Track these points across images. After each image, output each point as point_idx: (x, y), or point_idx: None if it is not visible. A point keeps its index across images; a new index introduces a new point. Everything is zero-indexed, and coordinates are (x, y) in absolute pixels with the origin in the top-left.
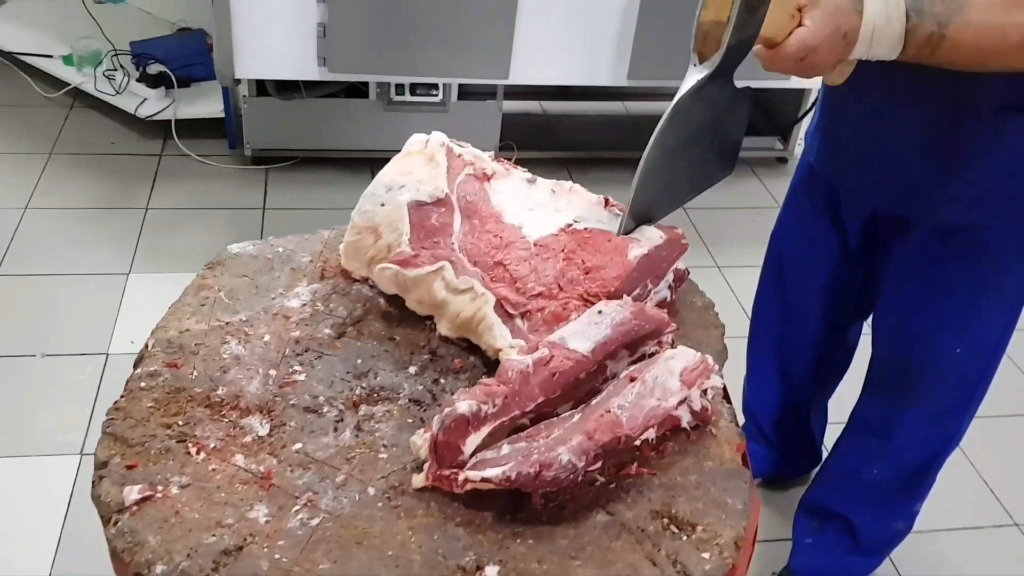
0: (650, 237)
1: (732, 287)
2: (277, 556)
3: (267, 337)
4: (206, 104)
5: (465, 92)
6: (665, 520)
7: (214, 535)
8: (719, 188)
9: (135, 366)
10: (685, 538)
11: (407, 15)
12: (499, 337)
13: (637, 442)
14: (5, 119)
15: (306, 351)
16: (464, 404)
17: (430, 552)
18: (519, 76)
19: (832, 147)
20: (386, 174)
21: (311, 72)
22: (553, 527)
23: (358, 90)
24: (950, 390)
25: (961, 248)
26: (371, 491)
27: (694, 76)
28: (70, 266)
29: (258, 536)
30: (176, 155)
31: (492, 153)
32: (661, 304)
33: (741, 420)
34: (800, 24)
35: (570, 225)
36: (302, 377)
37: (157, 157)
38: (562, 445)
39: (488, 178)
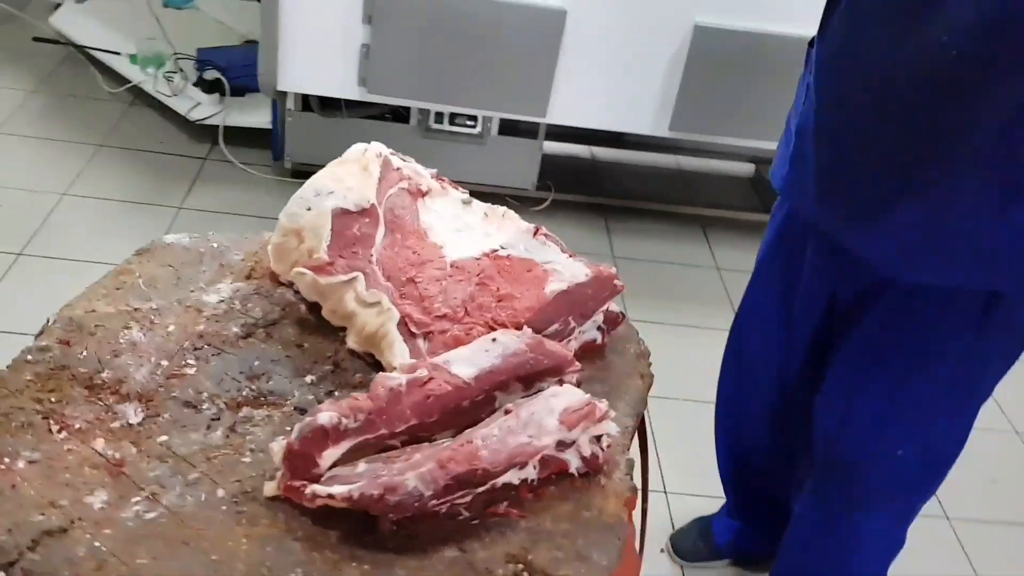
0: (574, 273)
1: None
2: (97, 544)
3: (171, 328)
4: (256, 114)
5: (508, 128)
6: (519, 565)
7: (43, 514)
8: None
9: (35, 339)
10: None
11: (449, 45)
12: (397, 355)
13: (516, 481)
14: (67, 108)
15: (205, 347)
16: (325, 415)
17: (256, 563)
18: (557, 116)
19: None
20: (318, 179)
21: (351, 91)
22: (396, 556)
23: (399, 114)
24: (892, 492)
25: (920, 314)
26: (220, 493)
27: None
28: (91, 254)
29: (87, 521)
30: (220, 160)
31: (434, 172)
32: (589, 346)
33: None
34: None
35: (495, 251)
36: (192, 371)
37: (201, 160)
38: (412, 471)
39: (423, 195)
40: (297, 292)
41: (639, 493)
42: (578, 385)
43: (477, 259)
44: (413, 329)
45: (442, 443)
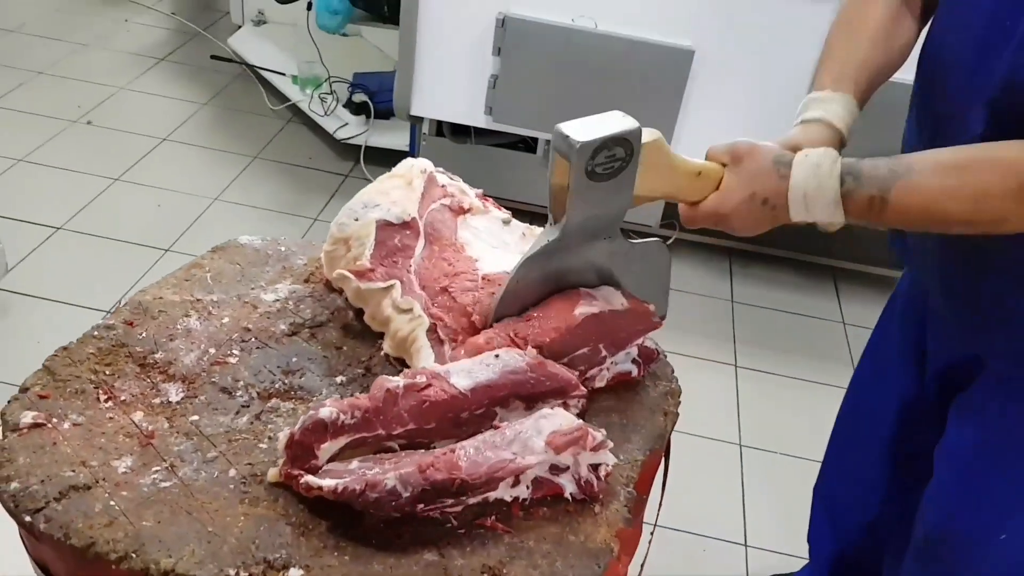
0: (609, 300)
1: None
2: (113, 503)
3: (226, 319)
4: (396, 137)
5: None
6: None
7: (73, 471)
8: None
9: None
10: None
11: (574, 78)
12: (423, 360)
13: (508, 497)
14: (233, 121)
15: (252, 339)
16: (325, 410)
17: (246, 540)
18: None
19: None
20: (366, 192)
21: (478, 119)
22: (376, 551)
23: (527, 144)
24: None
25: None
26: (232, 473)
27: (544, 237)
28: None
29: (108, 482)
30: (359, 178)
31: (479, 192)
32: (623, 377)
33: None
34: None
35: None
36: (234, 361)
37: (343, 177)
38: (394, 471)
39: (464, 211)
40: (348, 299)
41: (633, 525)
42: (584, 411)
43: (509, 273)
44: (442, 336)
45: (432, 450)
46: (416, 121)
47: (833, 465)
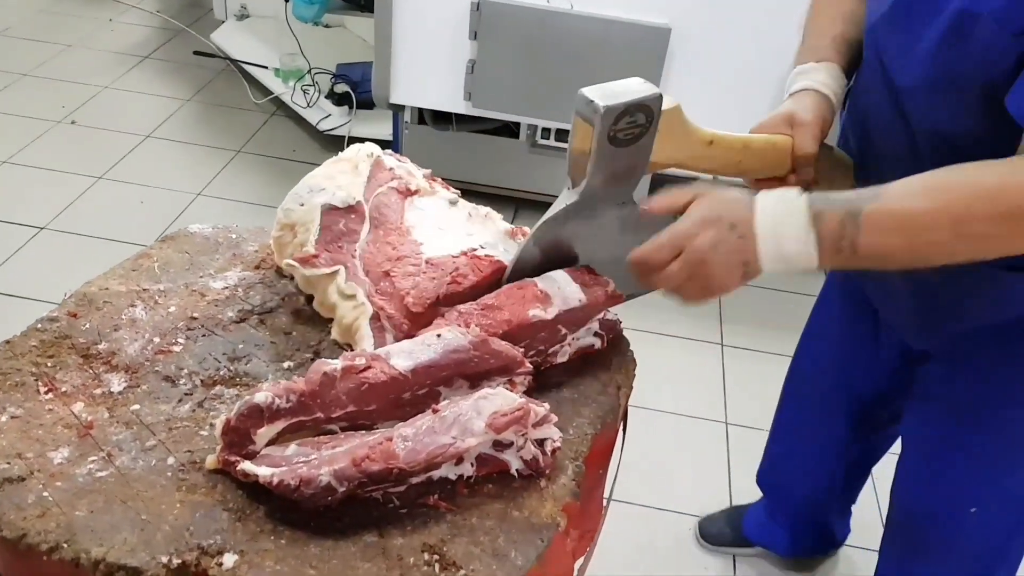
0: (565, 298)
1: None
2: (46, 494)
3: (172, 308)
4: (379, 127)
5: None
6: (434, 556)
7: (8, 463)
8: None
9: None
10: None
11: (553, 61)
12: (367, 348)
13: (452, 476)
14: (216, 116)
15: (198, 328)
16: (260, 395)
17: (181, 527)
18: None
19: None
20: (312, 176)
21: (457, 105)
22: (313, 534)
23: (510, 130)
24: (969, 554)
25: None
26: (170, 461)
27: (562, 200)
28: None
29: (43, 473)
30: None
31: (428, 172)
32: (587, 351)
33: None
34: None
35: (472, 250)
36: (179, 349)
37: None
38: (328, 466)
39: (411, 193)
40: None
41: (582, 500)
42: (531, 388)
43: (454, 257)
44: (384, 323)
45: (368, 433)
46: (397, 110)
47: (788, 404)
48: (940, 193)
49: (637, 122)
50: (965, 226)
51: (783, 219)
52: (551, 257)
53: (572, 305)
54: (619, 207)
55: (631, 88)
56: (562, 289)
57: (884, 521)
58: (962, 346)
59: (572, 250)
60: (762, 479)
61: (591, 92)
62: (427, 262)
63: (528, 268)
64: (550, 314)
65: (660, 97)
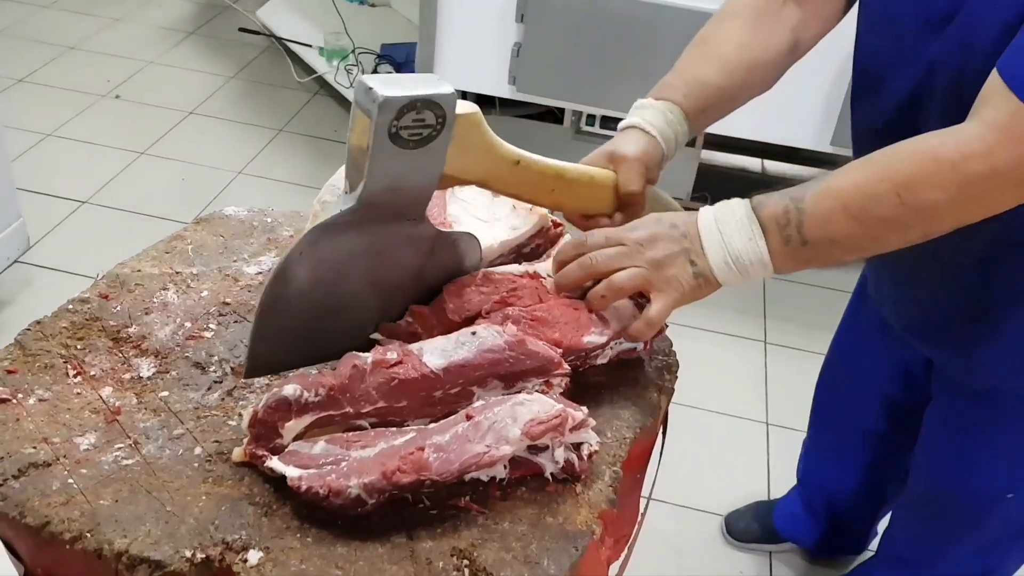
0: (621, 317)
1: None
2: (71, 481)
3: (205, 293)
4: None
5: None
6: (463, 561)
7: (35, 447)
8: None
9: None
10: None
11: (600, 47)
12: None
13: (484, 478)
14: (259, 94)
15: (230, 313)
16: (289, 387)
17: (206, 520)
18: (712, 126)
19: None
20: None
21: (501, 89)
22: (340, 534)
23: (554, 115)
24: (1000, 526)
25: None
26: (197, 451)
27: (337, 206)
28: None
29: (69, 460)
30: None
31: None
32: (627, 353)
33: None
34: None
35: (537, 274)
36: (210, 335)
37: None
38: (357, 477)
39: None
40: None
41: (619, 505)
42: (568, 390)
43: (517, 276)
44: (419, 329)
45: (401, 433)
46: None
47: (822, 404)
48: (882, 161)
49: (425, 122)
50: (910, 193)
51: (723, 214)
52: (319, 276)
53: (626, 324)
54: (411, 224)
55: (422, 83)
56: (617, 308)
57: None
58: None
59: (346, 269)
60: (799, 468)
61: (372, 80)
62: (484, 276)
63: (291, 289)
64: (605, 337)
65: (453, 97)
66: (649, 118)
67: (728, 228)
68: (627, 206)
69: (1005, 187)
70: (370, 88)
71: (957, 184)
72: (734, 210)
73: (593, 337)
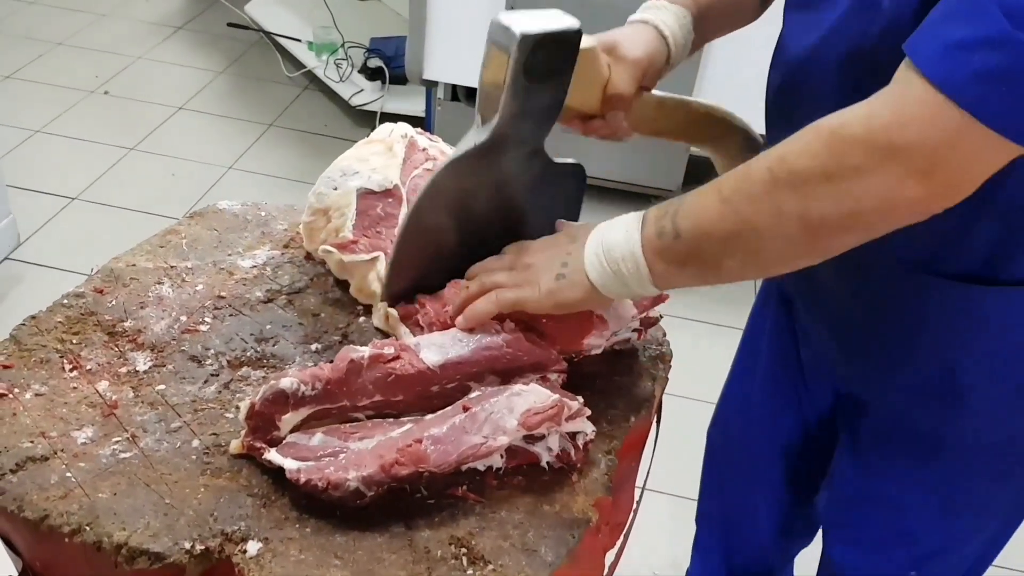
0: (621, 317)
1: None
2: (69, 475)
3: (200, 287)
4: (412, 102)
5: None
6: (461, 549)
7: (32, 442)
8: None
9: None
10: (470, 572)
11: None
12: (403, 336)
13: (481, 467)
14: (248, 89)
15: (226, 307)
16: (286, 380)
17: (205, 512)
18: (711, 88)
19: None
20: (344, 159)
21: None
22: (338, 524)
23: None
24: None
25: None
26: (195, 443)
27: (471, 139)
28: None
29: (67, 453)
30: None
31: None
32: (621, 343)
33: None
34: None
35: None
36: (205, 328)
37: None
38: (356, 470)
39: None
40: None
41: (614, 493)
42: (563, 383)
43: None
44: (422, 323)
45: (398, 424)
46: (430, 86)
47: (709, 487)
48: (768, 152)
49: (556, 55)
50: (782, 163)
51: (622, 216)
52: (451, 206)
53: (626, 323)
54: (529, 156)
55: (552, 19)
56: (616, 307)
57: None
58: (903, 406)
59: (475, 198)
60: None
61: (508, 18)
62: None
63: (430, 219)
64: (604, 338)
65: (580, 31)
66: (665, 19)
67: (618, 222)
68: (611, 109)
69: (884, 159)
70: (507, 27)
71: (829, 149)
72: (626, 216)
73: (593, 340)
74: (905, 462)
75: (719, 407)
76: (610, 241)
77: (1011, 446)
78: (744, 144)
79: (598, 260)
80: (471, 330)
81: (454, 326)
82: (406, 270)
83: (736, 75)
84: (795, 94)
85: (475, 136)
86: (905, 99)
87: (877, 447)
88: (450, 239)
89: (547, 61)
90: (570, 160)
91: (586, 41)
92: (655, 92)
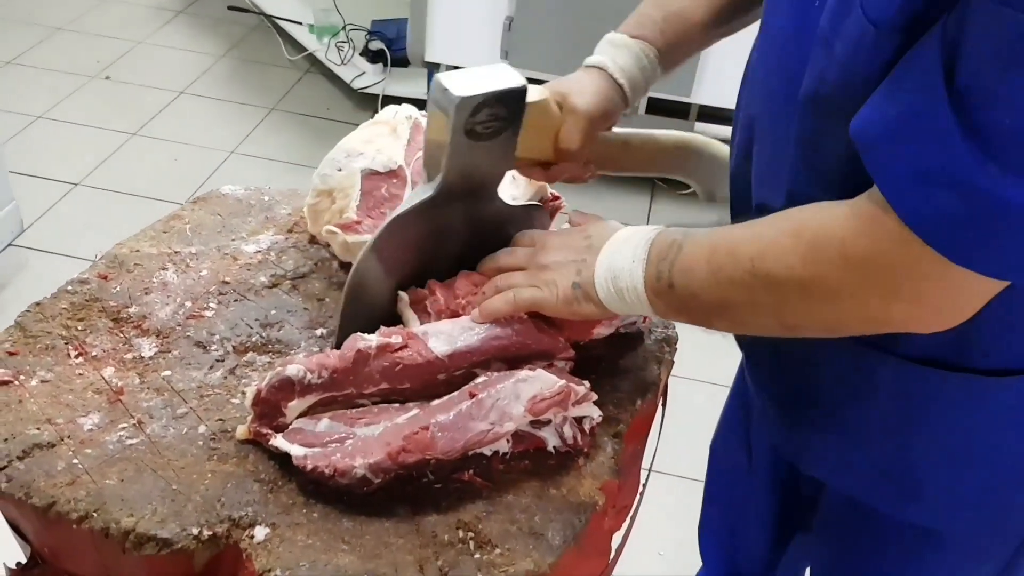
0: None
1: None
2: (76, 461)
3: (204, 272)
4: (414, 85)
5: (657, 107)
6: (468, 533)
7: (38, 429)
8: None
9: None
10: (477, 556)
11: (595, 19)
12: (409, 320)
13: (487, 452)
14: (249, 73)
15: (230, 292)
16: (293, 367)
17: (212, 497)
18: (704, 97)
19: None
20: (349, 140)
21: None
22: (345, 509)
23: None
24: None
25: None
26: (201, 429)
27: (417, 195)
28: None
29: (73, 440)
30: None
31: None
32: (627, 327)
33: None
34: None
35: None
36: (210, 314)
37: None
38: (363, 457)
39: None
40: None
41: (620, 476)
42: (570, 370)
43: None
44: (429, 309)
45: (405, 409)
46: (432, 68)
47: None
48: (766, 223)
49: (499, 115)
50: (762, 262)
51: (639, 231)
52: (396, 261)
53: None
54: (484, 202)
55: (494, 77)
56: None
57: None
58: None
59: (422, 249)
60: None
61: (447, 79)
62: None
63: (370, 279)
64: (613, 326)
65: (525, 89)
66: (622, 62)
67: (626, 245)
68: (562, 160)
69: (863, 287)
70: (445, 89)
71: (804, 265)
72: (649, 231)
73: (602, 328)
74: (867, 543)
75: (719, 421)
76: (616, 268)
77: (975, 538)
78: (720, 173)
79: (606, 284)
80: None
81: (462, 315)
82: (356, 321)
83: (736, 75)
84: (757, 125)
85: (421, 192)
86: (881, 228)
87: (839, 526)
88: (398, 289)
89: (489, 121)
90: (530, 202)
91: (537, 93)
92: (618, 131)
